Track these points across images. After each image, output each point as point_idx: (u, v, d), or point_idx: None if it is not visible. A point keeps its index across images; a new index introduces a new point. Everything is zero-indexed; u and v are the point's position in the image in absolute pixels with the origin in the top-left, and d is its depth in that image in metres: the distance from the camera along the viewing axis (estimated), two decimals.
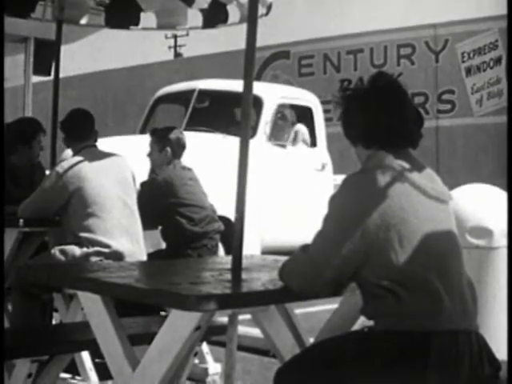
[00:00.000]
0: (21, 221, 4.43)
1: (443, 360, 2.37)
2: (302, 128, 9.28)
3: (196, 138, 7.62)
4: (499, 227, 4.26)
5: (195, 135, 7.79)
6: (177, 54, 37.14)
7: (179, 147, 5.38)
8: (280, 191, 8.61)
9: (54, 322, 5.02)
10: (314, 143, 9.43)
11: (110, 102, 18.90)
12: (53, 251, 4.34)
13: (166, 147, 5.32)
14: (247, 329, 5.15)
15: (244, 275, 2.97)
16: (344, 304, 3.21)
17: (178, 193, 5.23)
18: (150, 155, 5.43)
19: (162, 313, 4.61)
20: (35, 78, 11.38)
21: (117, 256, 4.29)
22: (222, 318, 3.67)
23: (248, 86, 3.16)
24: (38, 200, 4.50)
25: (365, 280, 2.48)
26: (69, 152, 4.86)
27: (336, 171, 9.43)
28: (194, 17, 6.11)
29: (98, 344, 2.78)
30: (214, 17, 6.04)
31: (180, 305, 2.45)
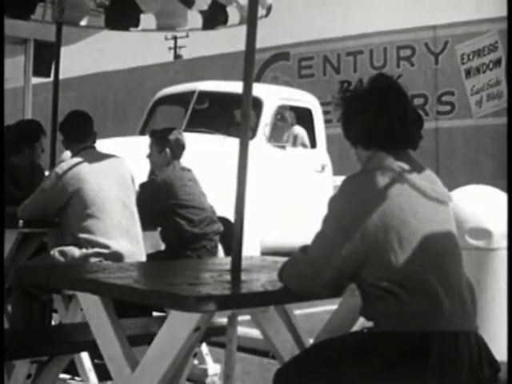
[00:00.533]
0: (20, 222, 4.44)
1: (443, 361, 2.37)
2: (300, 131, 9.28)
3: (196, 139, 7.62)
4: (499, 228, 4.26)
5: (195, 136, 7.79)
6: (177, 56, 37.12)
7: (178, 148, 5.38)
8: (280, 192, 8.62)
9: (53, 322, 5.02)
10: (313, 145, 9.44)
11: (110, 103, 18.90)
12: (52, 252, 4.34)
13: (165, 148, 5.32)
14: (247, 330, 5.15)
15: (243, 276, 2.97)
16: (343, 305, 3.21)
17: (178, 194, 5.22)
18: (149, 156, 5.43)
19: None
20: (35, 80, 11.39)
21: (116, 257, 4.29)
22: (222, 319, 3.67)
23: (248, 88, 3.17)
24: (37, 201, 4.50)
25: (364, 281, 2.48)
26: (68, 153, 4.86)
27: (336, 172, 9.43)
28: (194, 18, 6.11)
29: (97, 345, 2.78)
30: (214, 18, 6.04)
31: (179, 306, 2.45)
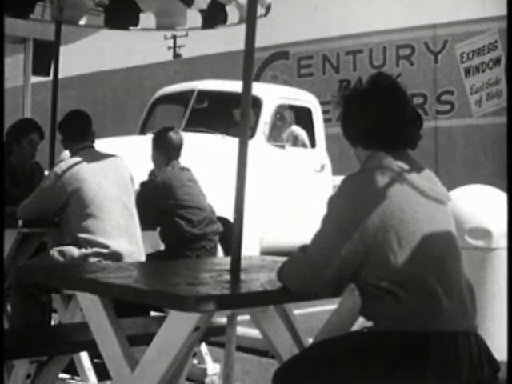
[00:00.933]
0: (20, 222, 4.44)
1: (442, 361, 2.37)
2: (299, 131, 9.27)
3: (195, 138, 7.62)
4: (498, 228, 4.26)
5: (194, 136, 7.79)
6: (176, 55, 37.14)
7: (175, 148, 5.38)
8: (279, 192, 8.61)
9: (52, 322, 5.02)
10: (313, 144, 9.43)
11: (109, 102, 18.91)
12: (51, 252, 4.33)
13: (163, 148, 5.33)
14: (246, 329, 5.15)
15: (243, 276, 2.96)
16: (343, 305, 3.21)
17: (177, 194, 5.23)
18: (151, 157, 5.45)
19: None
20: (34, 79, 11.41)
21: (115, 257, 4.29)
22: (221, 319, 3.66)
23: (247, 87, 3.16)
24: (36, 201, 4.50)
25: (364, 281, 2.48)
26: (67, 153, 4.86)
27: (335, 172, 9.43)
28: (193, 17, 6.11)
29: (96, 344, 2.77)
30: (213, 17, 6.04)
31: (179, 305, 2.45)
